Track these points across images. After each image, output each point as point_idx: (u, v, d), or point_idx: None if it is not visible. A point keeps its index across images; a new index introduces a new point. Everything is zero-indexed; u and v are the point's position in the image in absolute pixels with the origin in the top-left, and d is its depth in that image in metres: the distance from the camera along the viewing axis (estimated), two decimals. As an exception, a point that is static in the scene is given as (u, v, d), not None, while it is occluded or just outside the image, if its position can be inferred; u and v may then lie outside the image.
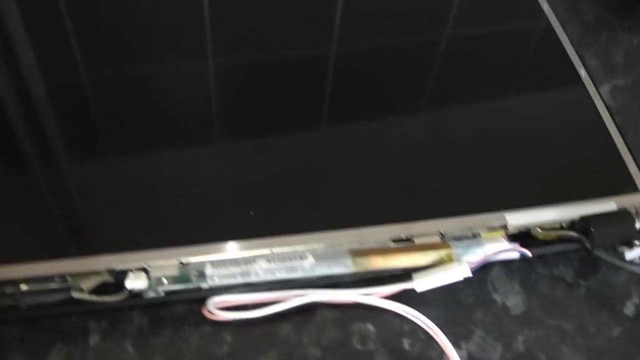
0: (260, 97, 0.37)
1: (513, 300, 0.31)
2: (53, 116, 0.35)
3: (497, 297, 0.31)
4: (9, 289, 0.29)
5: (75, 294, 0.29)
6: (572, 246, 0.31)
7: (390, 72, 0.39)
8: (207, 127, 0.36)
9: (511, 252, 0.30)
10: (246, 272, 0.29)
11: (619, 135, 0.36)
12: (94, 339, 0.29)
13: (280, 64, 0.39)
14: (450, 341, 0.28)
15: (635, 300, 0.31)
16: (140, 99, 0.36)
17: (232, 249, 0.30)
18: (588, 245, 0.31)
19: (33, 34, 0.39)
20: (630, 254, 0.31)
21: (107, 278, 0.29)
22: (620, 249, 0.31)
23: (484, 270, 0.31)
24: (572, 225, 0.32)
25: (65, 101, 0.36)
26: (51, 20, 0.40)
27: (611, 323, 0.30)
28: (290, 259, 0.29)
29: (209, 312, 0.28)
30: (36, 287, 0.29)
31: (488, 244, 0.30)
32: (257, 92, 0.37)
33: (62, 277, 0.29)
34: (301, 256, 0.30)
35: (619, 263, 0.31)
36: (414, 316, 0.29)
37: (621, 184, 0.34)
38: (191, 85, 0.37)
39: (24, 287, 0.29)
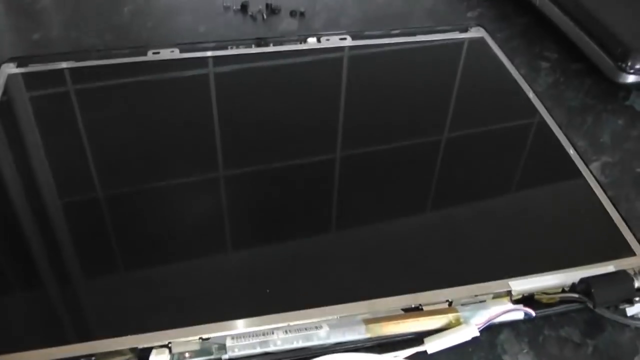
0: (272, 197, 0.39)
1: (523, 360, 0.32)
2: (81, 222, 0.37)
3: (508, 359, 0.32)
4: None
5: (101, 372, 0.30)
6: (575, 306, 0.33)
7: (396, 166, 0.41)
8: (223, 223, 0.38)
9: (515, 312, 0.31)
10: (265, 342, 0.30)
11: (612, 206, 0.38)
12: (119, 417, 0.30)
13: (289, 170, 0.41)
14: (465, 402, 0.29)
15: (643, 355, 0.32)
16: (162, 207, 0.38)
17: (250, 325, 0.31)
18: (590, 305, 0.32)
19: (51, 151, 0.41)
20: (631, 310, 0.32)
21: (130, 356, 0.31)
22: (621, 306, 0.32)
23: (492, 334, 0.32)
24: (574, 287, 0.33)
25: (101, 208, 0.38)
26: (70, 139, 0.42)
27: (614, 378, 0.31)
28: (306, 329, 0.31)
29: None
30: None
31: (493, 307, 0.32)
32: (268, 194, 0.39)
33: (87, 357, 0.30)
34: (317, 326, 0.31)
35: (620, 319, 0.32)
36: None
37: (617, 249, 0.35)
38: (213, 192, 0.40)
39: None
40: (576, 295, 0.33)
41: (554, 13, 0.51)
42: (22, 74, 0.47)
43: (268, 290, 0.33)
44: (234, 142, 0.42)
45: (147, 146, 0.42)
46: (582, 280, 0.33)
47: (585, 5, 0.47)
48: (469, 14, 0.56)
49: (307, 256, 0.35)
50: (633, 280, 0.33)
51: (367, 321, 0.31)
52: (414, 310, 0.32)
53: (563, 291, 0.33)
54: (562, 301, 0.33)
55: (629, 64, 0.44)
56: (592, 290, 0.32)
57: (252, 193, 0.39)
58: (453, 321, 0.31)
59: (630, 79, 0.45)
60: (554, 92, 0.48)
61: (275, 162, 0.41)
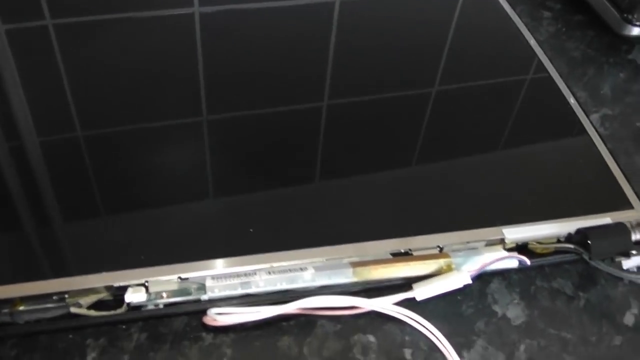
0: (262, 140, 0.37)
1: (513, 311, 0.31)
2: (59, 160, 0.36)
3: (498, 309, 0.31)
4: (7, 307, 0.29)
5: (74, 309, 0.29)
6: (569, 257, 0.31)
7: (393, 113, 0.40)
8: (208, 164, 0.36)
9: (510, 259, 0.30)
10: (246, 283, 0.29)
11: (612, 159, 0.37)
12: (91, 356, 0.29)
13: (278, 114, 0.39)
14: (453, 351, 0.28)
15: (635, 310, 0.31)
16: (143, 148, 0.37)
17: (231, 265, 0.30)
18: (586, 256, 0.31)
19: (30, 90, 0.39)
20: (627, 264, 0.31)
21: (105, 294, 0.29)
22: (617, 259, 0.31)
23: (483, 283, 0.31)
24: (570, 238, 0.32)
25: (81, 147, 0.36)
26: (49, 77, 0.40)
27: (612, 333, 0.30)
28: (290, 270, 0.29)
29: (212, 319, 0.28)
30: (35, 305, 0.29)
31: (487, 253, 0.30)
32: (257, 137, 0.37)
33: (60, 295, 0.29)
34: (302, 268, 0.30)
35: (615, 272, 0.31)
36: (420, 324, 0.29)
37: (615, 202, 0.34)
38: (197, 134, 0.38)
39: (21, 306, 0.29)
40: (572, 246, 0.31)
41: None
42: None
43: (251, 230, 0.31)
44: (219, 87, 0.40)
45: (129, 86, 0.40)
46: (579, 231, 0.32)
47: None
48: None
49: (294, 197, 0.34)
50: (630, 233, 0.32)
51: (355, 264, 0.30)
52: (404, 255, 0.31)
53: (558, 241, 0.32)
54: (557, 251, 0.32)
55: (635, 15, 0.43)
56: (589, 241, 0.31)
57: (240, 136, 0.37)
58: (444, 267, 0.30)
59: (635, 31, 0.43)
60: (555, 42, 0.46)
61: (265, 106, 0.39)
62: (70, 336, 0.29)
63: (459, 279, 0.29)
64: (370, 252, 0.31)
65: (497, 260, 0.30)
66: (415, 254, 0.31)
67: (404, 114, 0.39)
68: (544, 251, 0.32)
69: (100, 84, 0.40)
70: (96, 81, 0.40)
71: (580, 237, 0.31)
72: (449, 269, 0.30)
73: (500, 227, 0.32)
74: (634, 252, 0.31)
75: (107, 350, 0.29)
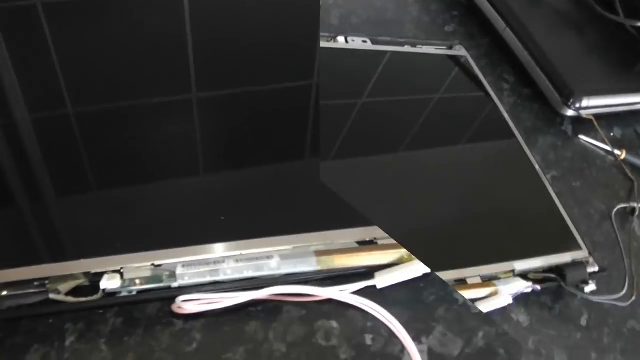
0: (233, 124, 0.38)
1: (474, 299, 0.32)
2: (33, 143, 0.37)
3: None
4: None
5: (53, 296, 0.30)
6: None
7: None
8: (181, 150, 0.37)
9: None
10: (215, 271, 0.30)
11: (564, 211, 0.39)
12: (70, 340, 0.30)
13: (257, 95, 0.40)
14: (412, 337, 0.29)
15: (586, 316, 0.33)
16: (117, 130, 0.38)
17: (202, 252, 0.31)
18: (562, 283, 0.34)
19: (20, 70, 0.40)
20: (587, 289, 0.35)
21: (83, 280, 0.31)
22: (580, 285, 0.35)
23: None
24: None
25: (58, 128, 0.37)
26: (39, 56, 0.40)
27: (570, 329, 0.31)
28: (257, 259, 0.31)
29: (179, 307, 0.29)
30: (16, 291, 0.30)
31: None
32: (230, 121, 0.39)
33: (41, 281, 0.30)
34: (268, 256, 0.31)
35: (579, 294, 0.35)
36: (376, 311, 0.30)
37: (570, 244, 0.37)
38: (172, 116, 0.39)
39: (4, 292, 0.30)
40: (553, 276, 0.35)
41: (516, 45, 0.51)
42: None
43: (223, 218, 0.33)
44: (208, 65, 0.41)
45: (118, 65, 0.41)
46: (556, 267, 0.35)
47: (543, 48, 0.50)
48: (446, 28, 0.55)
49: (265, 186, 0.35)
50: (585, 268, 0.35)
51: (319, 253, 0.31)
52: (369, 244, 0.32)
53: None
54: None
55: (572, 101, 0.46)
56: (565, 274, 0.34)
57: (215, 122, 0.39)
58: (406, 257, 0.31)
59: (570, 112, 0.47)
60: (514, 111, 0.48)
61: (247, 86, 0.41)
62: (50, 321, 0.30)
63: (418, 268, 0.30)
64: (337, 241, 0.32)
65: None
66: (380, 242, 0.32)
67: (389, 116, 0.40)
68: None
69: (88, 63, 0.40)
70: (84, 60, 0.41)
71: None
72: (410, 258, 0.31)
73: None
74: (590, 281, 0.35)
75: (85, 334, 0.30)
